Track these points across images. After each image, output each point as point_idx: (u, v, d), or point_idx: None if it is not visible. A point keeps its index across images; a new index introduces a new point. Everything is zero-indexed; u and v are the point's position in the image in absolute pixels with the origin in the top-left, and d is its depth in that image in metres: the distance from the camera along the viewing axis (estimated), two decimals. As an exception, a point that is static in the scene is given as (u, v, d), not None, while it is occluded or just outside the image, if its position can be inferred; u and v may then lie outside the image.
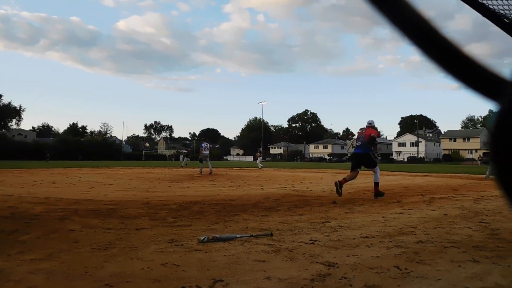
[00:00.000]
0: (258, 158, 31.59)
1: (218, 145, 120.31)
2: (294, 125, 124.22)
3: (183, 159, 29.58)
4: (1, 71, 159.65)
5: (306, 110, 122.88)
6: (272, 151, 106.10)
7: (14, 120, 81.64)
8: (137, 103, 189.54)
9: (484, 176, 15.26)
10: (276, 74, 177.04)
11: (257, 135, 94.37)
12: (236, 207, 6.18)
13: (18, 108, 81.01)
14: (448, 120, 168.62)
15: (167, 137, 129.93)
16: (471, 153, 73.22)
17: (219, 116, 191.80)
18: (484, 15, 1.64)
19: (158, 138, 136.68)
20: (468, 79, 0.24)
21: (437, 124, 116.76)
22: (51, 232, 4.02)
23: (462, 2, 1.60)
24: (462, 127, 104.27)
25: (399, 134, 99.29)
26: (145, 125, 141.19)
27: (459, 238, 3.96)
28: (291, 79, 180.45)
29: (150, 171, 20.91)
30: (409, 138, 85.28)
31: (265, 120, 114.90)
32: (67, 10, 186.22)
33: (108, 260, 3.00)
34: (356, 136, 7.80)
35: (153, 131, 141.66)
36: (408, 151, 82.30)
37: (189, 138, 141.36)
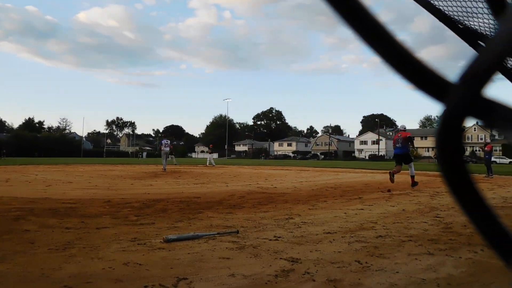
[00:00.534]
0: (209, 155, 25.95)
1: (182, 142, 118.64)
2: (259, 122, 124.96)
3: (171, 158, 23.26)
4: None
5: (271, 108, 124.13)
6: (237, 148, 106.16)
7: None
8: (99, 98, 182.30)
9: (484, 175, 15.44)
10: (242, 71, 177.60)
11: (222, 132, 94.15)
12: (201, 204, 6.14)
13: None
14: (407, 119, 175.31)
15: (129, 133, 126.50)
16: (428, 151, 76.51)
17: (183, 113, 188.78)
18: (440, 20, 1.72)
19: (121, 135, 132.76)
20: (416, 81, 0.26)
21: (397, 123, 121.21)
22: (4, 233, 3.81)
23: (421, 7, 1.67)
24: (420, 126, 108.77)
25: (361, 133, 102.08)
26: (107, 121, 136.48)
27: (416, 232, 4.15)
28: (256, 77, 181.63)
29: (112, 168, 20.34)
30: (370, 136, 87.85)
31: (230, 117, 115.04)
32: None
33: (67, 260, 2.90)
34: (393, 139, 9.99)
35: (115, 128, 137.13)
36: (370, 149, 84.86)
37: (153, 135, 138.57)
